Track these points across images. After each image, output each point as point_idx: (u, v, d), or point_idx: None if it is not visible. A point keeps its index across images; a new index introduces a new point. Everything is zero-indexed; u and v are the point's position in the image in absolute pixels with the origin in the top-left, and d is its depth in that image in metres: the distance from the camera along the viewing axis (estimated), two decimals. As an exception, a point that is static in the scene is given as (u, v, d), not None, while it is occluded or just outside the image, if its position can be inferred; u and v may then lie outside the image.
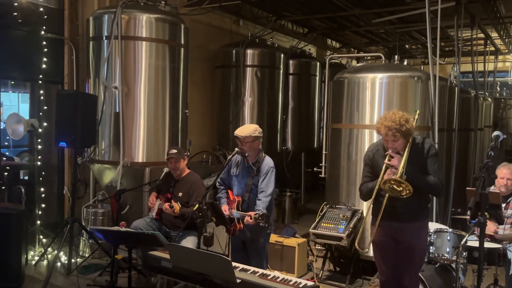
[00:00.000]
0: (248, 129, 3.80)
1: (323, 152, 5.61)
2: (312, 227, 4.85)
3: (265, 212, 3.51)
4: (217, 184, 4.08)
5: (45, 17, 5.51)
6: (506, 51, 10.09)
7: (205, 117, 7.34)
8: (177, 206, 4.16)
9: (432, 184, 3.07)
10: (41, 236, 5.29)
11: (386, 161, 3.09)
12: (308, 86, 8.28)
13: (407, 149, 3.05)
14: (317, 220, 4.91)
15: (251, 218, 3.55)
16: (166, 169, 4.59)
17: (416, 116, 3.18)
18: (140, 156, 5.22)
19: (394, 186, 3.00)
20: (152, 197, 4.53)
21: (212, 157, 6.48)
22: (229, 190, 3.98)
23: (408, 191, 2.96)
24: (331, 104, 5.41)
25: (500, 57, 10.76)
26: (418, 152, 3.14)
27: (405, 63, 5.39)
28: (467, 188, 3.77)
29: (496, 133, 2.81)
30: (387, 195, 3.14)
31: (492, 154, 2.68)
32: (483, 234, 2.45)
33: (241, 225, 3.75)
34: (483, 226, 2.42)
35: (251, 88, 7.07)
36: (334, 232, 4.67)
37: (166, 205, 4.22)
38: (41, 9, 5.50)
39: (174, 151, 4.44)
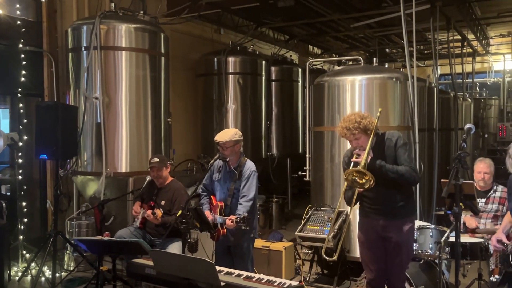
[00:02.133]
0: (227, 134, 3.82)
1: (307, 155, 5.66)
2: (297, 230, 4.87)
3: (245, 215, 3.52)
4: (200, 190, 4.07)
5: (23, 30, 5.50)
6: (484, 52, 10.34)
7: (189, 126, 7.35)
8: (159, 212, 4.17)
9: (403, 172, 3.11)
10: (25, 252, 5.21)
11: (352, 159, 3.15)
12: (291, 92, 8.35)
13: (369, 141, 3.12)
14: (302, 223, 4.94)
15: (232, 222, 3.56)
16: (149, 178, 4.59)
17: (378, 114, 3.25)
18: (123, 166, 5.21)
19: (357, 179, 3.04)
20: (136, 206, 4.52)
21: (196, 166, 6.47)
22: (212, 196, 3.99)
23: (371, 182, 3.00)
24: (313, 108, 5.48)
25: (479, 58, 11.02)
26: (387, 146, 3.20)
27: (386, 66, 5.49)
28: (441, 180, 3.84)
29: (468, 125, 2.88)
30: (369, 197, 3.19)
31: (465, 146, 2.74)
32: (459, 224, 2.49)
33: (224, 230, 3.76)
34: (458, 216, 2.47)
35: (233, 95, 7.11)
36: (319, 234, 4.70)
37: (148, 212, 4.21)
38: (19, 22, 5.48)
39: (156, 159, 4.44)
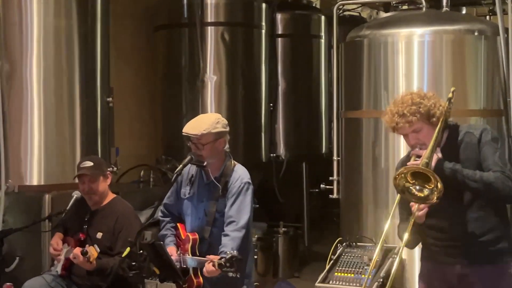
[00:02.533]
0: (204, 122, 3.85)
1: (334, 158, 5.69)
2: (319, 279, 4.90)
3: (235, 253, 3.54)
4: (159, 215, 4.08)
5: None
6: None
7: (142, 110, 7.35)
8: (93, 250, 4.15)
9: (492, 181, 3.03)
10: None
11: (409, 163, 3.16)
12: (309, 55, 8.36)
13: (435, 134, 3.12)
14: (327, 267, 4.97)
15: (213, 265, 3.57)
16: (76, 194, 4.59)
17: (450, 95, 3.26)
18: (34, 176, 5.23)
19: (412, 189, 3.04)
20: (56, 241, 4.52)
21: (155, 174, 6.48)
22: (179, 224, 4.00)
23: (437, 193, 2.99)
24: (344, 80, 5.52)
25: None
26: (466, 143, 3.20)
27: (464, 12, 5.51)
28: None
29: None
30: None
31: None
32: None
33: (200, 278, 3.76)
34: None
35: (215, 60, 7.08)
36: (355, 286, 4.72)
37: (76, 250, 4.20)
38: None
39: (88, 163, 4.46)
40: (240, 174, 3.88)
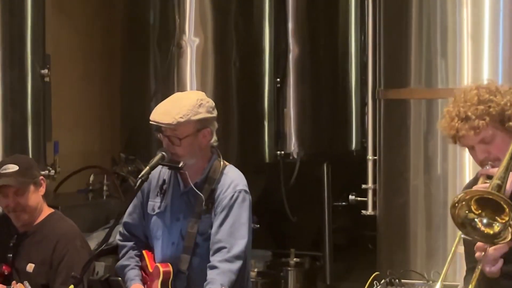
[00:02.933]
0: (181, 105, 3.88)
1: (369, 157, 5.72)
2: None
3: None
4: (118, 238, 4.12)
5: None
6: None
7: (92, 87, 7.42)
8: None
9: None
10: None
11: (476, 186, 3.13)
12: (332, 8, 8.41)
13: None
14: (359, 316, 4.97)
15: None
16: (-1, 211, 4.62)
17: None
18: None
19: (478, 222, 3.00)
20: None
21: (110, 181, 6.55)
22: (145, 251, 4.04)
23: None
24: (383, 46, 5.54)
25: None
26: None
27: None
28: None
29: None
30: None
31: None
32: None
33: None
34: None
35: (197, 15, 7.12)
36: None
37: None
38: None
39: (13, 167, 4.45)
40: (233, 178, 3.91)
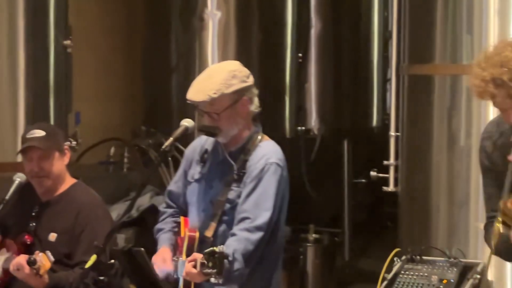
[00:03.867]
0: (212, 81, 3.85)
1: (391, 133, 5.71)
2: (367, 307, 4.90)
3: (220, 248, 3.54)
4: (162, 206, 4.18)
5: None
6: None
7: (114, 59, 7.41)
8: (45, 261, 4.12)
9: None
10: None
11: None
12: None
13: None
14: (379, 290, 4.97)
15: (195, 266, 3.60)
16: (20, 178, 4.60)
17: None
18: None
19: None
20: None
21: (131, 153, 6.57)
22: (182, 217, 4.06)
23: None
24: (408, 20, 5.52)
25: None
26: None
27: None
28: None
29: None
30: None
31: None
32: None
33: (192, 291, 3.86)
34: None
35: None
36: (418, 318, 4.72)
37: (21, 259, 4.20)
38: None
39: (40, 133, 4.45)
40: (267, 151, 3.91)
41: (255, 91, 3.96)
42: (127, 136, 6.94)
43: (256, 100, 3.97)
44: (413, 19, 5.49)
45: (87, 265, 3.59)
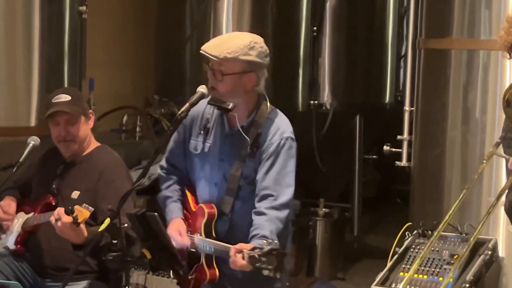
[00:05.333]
0: (233, 42, 3.84)
1: (406, 108, 5.70)
2: (377, 281, 4.90)
3: (276, 245, 3.54)
4: (159, 171, 4.17)
5: None
6: None
7: (127, 27, 7.43)
8: (84, 211, 4.00)
9: None
10: None
11: None
12: None
13: None
14: (389, 264, 4.96)
15: (243, 257, 3.56)
16: (34, 141, 4.62)
17: None
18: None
19: None
20: (7, 202, 4.59)
21: (143, 122, 6.57)
22: (187, 190, 4.07)
23: None
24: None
25: None
26: None
27: None
28: None
29: None
30: None
31: None
32: None
33: (215, 269, 3.83)
34: None
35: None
36: (429, 291, 4.73)
37: (59, 209, 4.09)
38: None
39: (66, 97, 4.46)
40: (280, 125, 3.90)
41: (266, 73, 3.94)
42: (139, 104, 6.94)
43: (263, 82, 3.94)
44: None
45: (101, 229, 3.60)
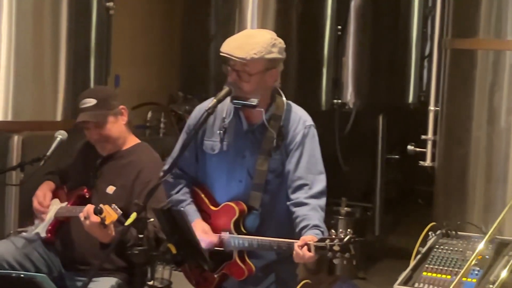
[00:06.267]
0: (256, 42, 3.84)
1: (431, 107, 5.67)
2: (400, 280, 4.86)
3: (350, 233, 3.58)
4: (170, 177, 4.10)
5: None
6: None
7: (153, 24, 7.44)
8: (111, 212, 4.05)
9: None
10: None
11: None
12: None
13: None
14: (412, 264, 4.94)
15: (309, 249, 3.59)
16: (61, 135, 4.68)
17: None
18: (-1, 110, 5.34)
19: None
20: (44, 192, 4.61)
21: (167, 118, 6.58)
22: (197, 189, 4.11)
23: None
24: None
25: None
26: None
27: None
28: None
29: None
30: None
31: None
32: None
33: (251, 264, 3.89)
34: None
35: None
36: (451, 291, 4.72)
37: (88, 208, 4.14)
38: None
39: (90, 101, 4.49)
40: (300, 114, 3.95)
41: (282, 66, 3.97)
42: (164, 101, 6.96)
43: (279, 76, 3.97)
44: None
45: (127, 223, 3.62)
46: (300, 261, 3.70)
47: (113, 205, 4.09)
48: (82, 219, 4.14)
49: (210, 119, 3.98)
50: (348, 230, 3.62)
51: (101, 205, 4.07)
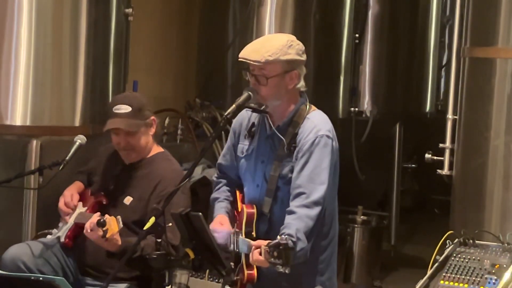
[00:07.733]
0: (271, 44, 3.85)
1: (449, 116, 5.65)
2: (417, 288, 4.88)
3: (285, 239, 3.49)
4: (214, 175, 4.24)
5: None
6: None
7: (171, 31, 7.44)
8: (114, 225, 4.10)
9: None
10: None
11: None
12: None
13: None
14: (429, 272, 4.93)
15: (260, 253, 3.58)
16: (80, 140, 4.70)
17: None
18: (17, 114, 5.31)
19: None
20: (71, 192, 4.65)
21: (184, 125, 6.57)
22: (237, 191, 4.12)
23: None
24: (472, 3, 5.43)
25: None
26: None
27: None
28: None
29: None
30: None
31: None
32: None
33: (253, 270, 3.84)
34: None
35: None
36: (469, 301, 4.70)
37: (94, 220, 4.15)
38: None
39: (126, 108, 4.49)
40: (316, 123, 3.89)
41: (305, 69, 3.96)
42: (181, 108, 6.96)
43: (303, 79, 3.95)
44: (477, 1, 5.41)
45: (145, 227, 3.62)
46: (253, 263, 3.70)
47: (119, 217, 4.13)
48: (84, 230, 4.21)
49: (244, 123, 4.05)
50: (294, 236, 3.60)
51: (106, 217, 4.10)
